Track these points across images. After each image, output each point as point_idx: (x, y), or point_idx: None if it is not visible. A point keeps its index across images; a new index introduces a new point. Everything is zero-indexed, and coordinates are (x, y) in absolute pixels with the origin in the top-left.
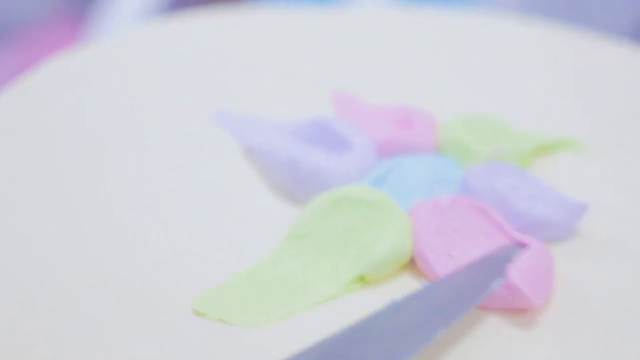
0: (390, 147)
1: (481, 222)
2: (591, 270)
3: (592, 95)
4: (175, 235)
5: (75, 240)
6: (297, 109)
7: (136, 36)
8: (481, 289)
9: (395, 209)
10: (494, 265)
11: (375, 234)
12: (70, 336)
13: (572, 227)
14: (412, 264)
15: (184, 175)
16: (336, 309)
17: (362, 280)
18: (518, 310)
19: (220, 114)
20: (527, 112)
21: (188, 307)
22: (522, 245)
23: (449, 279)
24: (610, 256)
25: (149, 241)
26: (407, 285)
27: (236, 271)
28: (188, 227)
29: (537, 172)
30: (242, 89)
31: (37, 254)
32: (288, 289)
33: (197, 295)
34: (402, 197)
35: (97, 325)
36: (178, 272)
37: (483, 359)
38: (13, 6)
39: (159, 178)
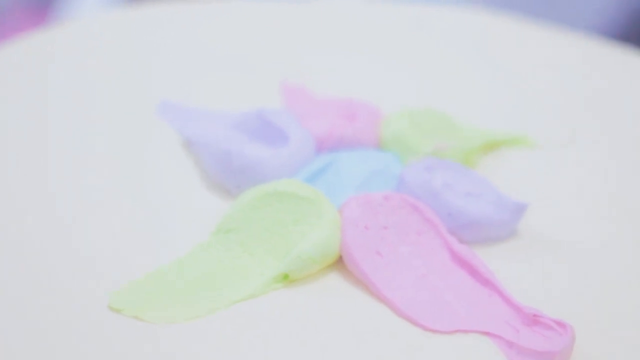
0: (331, 141)
1: (414, 220)
2: (530, 271)
3: (547, 91)
4: (99, 227)
5: None
6: (248, 100)
7: (94, 22)
8: None
9: (325, 205)
10: None
11: (303, 231)
12: None
13: (511, 227)
14: (340, 263)
15: (118, 166)
16: (257, 307)
17: (287, 278)
18: None
19: (162, 104)
20: (480, 108)
21: (106, 302)
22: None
23: None
24: (549, 256)
25: (72, 232)
26: (332, 284)
27: (159, 266)
28: (114, 219)
29: (484, 169)
30: (196, 79)
31: None
32: (209, 286)
33: (114, 291)
34: (337, 193)
35: (9, 318)
36: (100, 266)
37: None
38: None
39: (92, 167)
